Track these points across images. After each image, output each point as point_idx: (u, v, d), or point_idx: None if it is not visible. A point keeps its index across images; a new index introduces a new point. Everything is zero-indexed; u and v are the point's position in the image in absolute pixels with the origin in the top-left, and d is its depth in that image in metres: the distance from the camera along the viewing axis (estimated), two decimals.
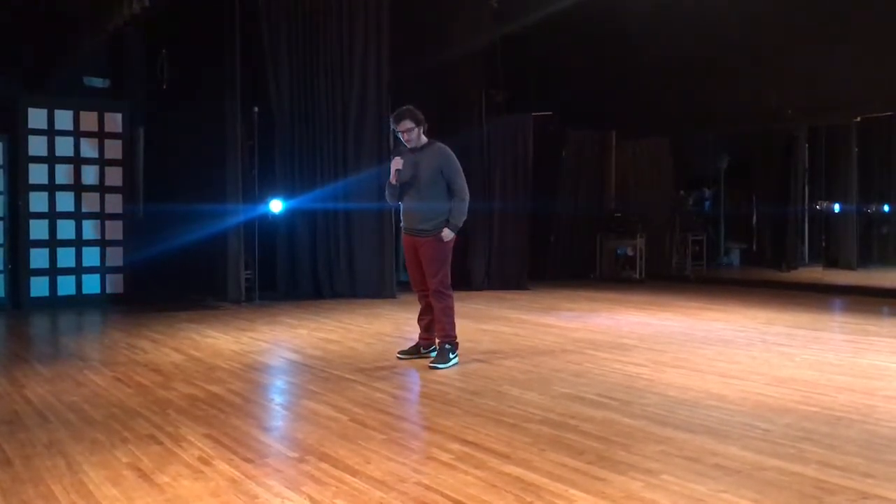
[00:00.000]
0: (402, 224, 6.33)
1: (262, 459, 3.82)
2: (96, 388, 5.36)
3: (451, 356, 6.13)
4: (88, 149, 10.11)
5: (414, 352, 6.39)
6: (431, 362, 6.11)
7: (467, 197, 6.15)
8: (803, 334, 7.67)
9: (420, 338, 6.44)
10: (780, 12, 10.71)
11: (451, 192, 6.10)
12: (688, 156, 16.20)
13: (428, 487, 3.38)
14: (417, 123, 6.10)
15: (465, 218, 6.17)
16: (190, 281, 10.51)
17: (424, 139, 6.18)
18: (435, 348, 6.33)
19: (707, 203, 16.42)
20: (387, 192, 6.33)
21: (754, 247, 17.01)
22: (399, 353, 6.47)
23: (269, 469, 3.67)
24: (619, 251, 13.68)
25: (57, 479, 3.53)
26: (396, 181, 6.12)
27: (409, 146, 6.16)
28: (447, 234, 6.07)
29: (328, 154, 10.58)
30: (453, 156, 6.16)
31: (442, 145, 6.20)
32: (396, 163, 6.11)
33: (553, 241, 13.53)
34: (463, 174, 6.18)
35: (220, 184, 9.97)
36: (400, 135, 6.16)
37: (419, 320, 6.47)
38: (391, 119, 6.30)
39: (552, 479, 3.49)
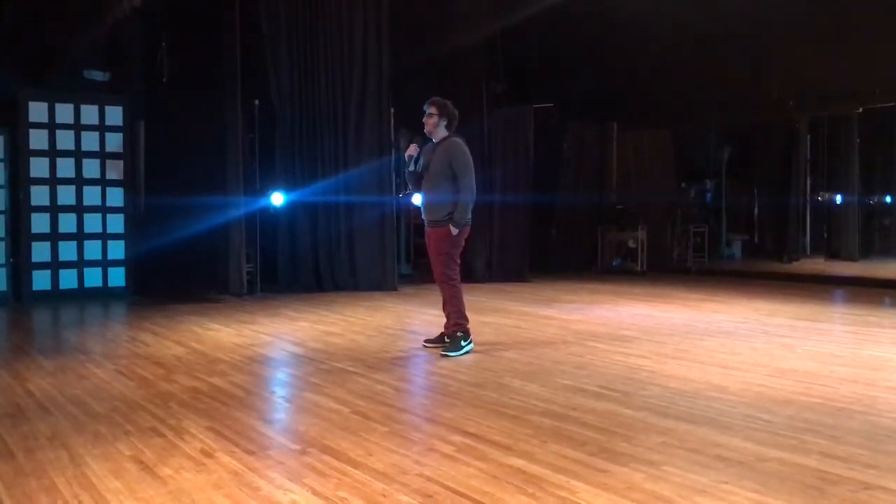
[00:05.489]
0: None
1: (264, 452, 3.82)
2: (98, 381, 5.37)
3: (463, 344, 6.21)
4: (89, 142, 10.11)
5: (439, 341, 6.45)
6: (443, 350, 6.17)
7: (472, 194, 6.22)
8: (805, 326, 7.66)
9: (444, 327, 6.48)
10: (781, 3, 10.67)
11: (456, 186, 6.18)
12: (689, 147, 16.20)
13: (430, 479, 3.39)
14: (440, 114, 6.26)
15: (467, 215, 6.24)
16: (191, 274, 10.50)
17: (444, 132, 6.31)
18: None
19: (708, 195, 16.40)
20: (405, 177, 6.67)
21: (756, 238, 17.02)
22: (425, 341, 6.56)
23: (272, 461, 3.68)
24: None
25: (59, 471, 3.54)
26: (413, 167, 6.38)
27: (425, 130, 6.36)
28: (453, 230, 6.19)
29: (329, 146, 10.57)
30: (464, 152, 6.27)
31: (457, 140, 6.32)
32: (410, 149, 6.43)
33: (554, 234, 13.53)
34: (472, 172, 6.25)
35: (222, 177, 9.97)
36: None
37: (443, 309, 6.51)
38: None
39: (554, 470, 3.49)
